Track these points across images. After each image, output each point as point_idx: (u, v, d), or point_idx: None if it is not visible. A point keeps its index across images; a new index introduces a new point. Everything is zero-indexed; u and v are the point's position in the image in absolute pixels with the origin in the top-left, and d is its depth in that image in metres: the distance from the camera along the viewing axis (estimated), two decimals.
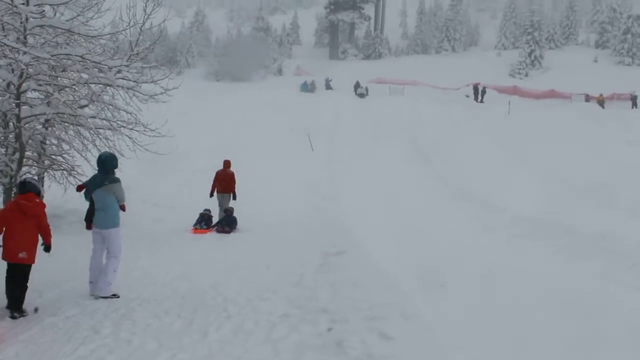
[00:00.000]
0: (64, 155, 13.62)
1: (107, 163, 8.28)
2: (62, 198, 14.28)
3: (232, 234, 14.34)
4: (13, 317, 7.03)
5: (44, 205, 7.59)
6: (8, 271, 7.23)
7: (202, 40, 71.96)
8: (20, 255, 7.16)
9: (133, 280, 9.37)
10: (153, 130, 13.08)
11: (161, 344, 6.16)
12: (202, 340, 6.22)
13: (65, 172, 13.76)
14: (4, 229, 7.17)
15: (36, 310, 7.19)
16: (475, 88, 45.50)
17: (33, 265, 7.41)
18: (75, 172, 13.68)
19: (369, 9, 77.51)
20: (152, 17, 12.25)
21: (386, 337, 5.69)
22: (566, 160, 23.37)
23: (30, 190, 7.48)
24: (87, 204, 8.54)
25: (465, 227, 14.60)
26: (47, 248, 7.63)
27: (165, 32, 53.80)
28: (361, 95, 31.57)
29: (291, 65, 62.09)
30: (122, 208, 8.47)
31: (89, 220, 8.36)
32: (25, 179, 7.89)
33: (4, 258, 7.18)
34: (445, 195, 19.03)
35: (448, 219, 15.59)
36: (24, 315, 7.12)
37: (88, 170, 12.94)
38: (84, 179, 12.04)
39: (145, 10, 11.94)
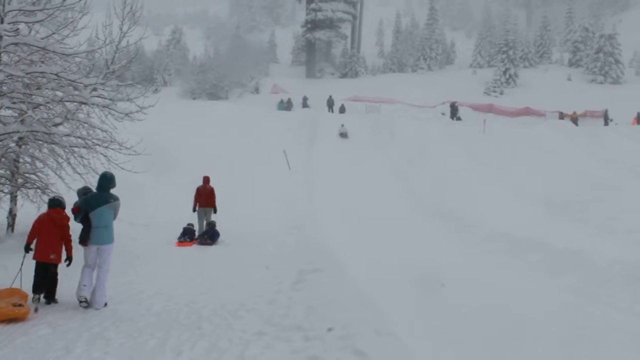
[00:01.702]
0: (38, 174, 13.48)
1: (111, 182, 8.86)
2: (35, 217, 14.13)
3: (213, 246, 15.03)
4: (49, 304, 8.55)
5: (68, 218, 8.90)
6: (39, 269, 8.53)
7: (179, 59, 71.98)
8: (52, 256, 8.58)
9: (108, 298, 9.31)
10: (129, 149, 13.01)
11: None
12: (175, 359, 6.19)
13: (39, 190, 13.62)
14: (37, 235, 8.59)
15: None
16: (452, 106, 45.90)
17: None
18: (49, 191, 13.54)
19: (346, 28, 78.27)
20: (129, 36, 12.22)
21: (360, 353, 5.71)
22: (540, 177, 23.60)
23: (58, 206, 8.93)
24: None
25: (441, 244, 14.68)
26: (69, 260, 8.79)
27: (142, 50, 53.77)
28: (343, 135, 31.41)
29: (268, 83, 62.20)
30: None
31: (85, 238, 8.67)
32: (55, 197, 9.26)
33: (35, 258, 8.57)
34: (421, 212, 19.13)
35: (424, 236, 15.66)
36: (56, 302, 8.61)
37: (62, 188, 12.85)
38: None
39: (121, 29, 11.93)
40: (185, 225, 15.96)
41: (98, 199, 8.73)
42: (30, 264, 8.56)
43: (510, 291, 9.75)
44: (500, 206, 18.91)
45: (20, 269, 8.50)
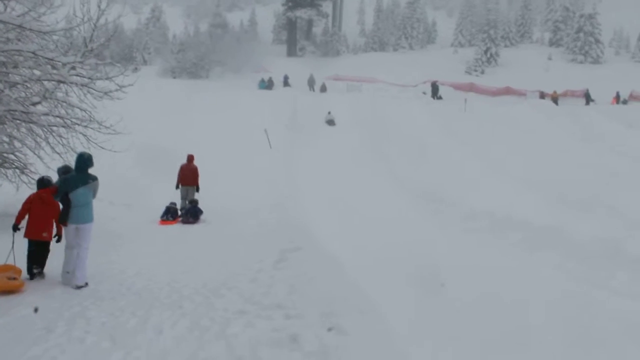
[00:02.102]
0: (16, 153, 13.36)
1: (89, 162, 8.98)
2: (14, 197, 14.02)
3: (196, 224, 15.26)
4: (40, 274, 8.94)
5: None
6: (31, 247, 8.91)
7: (158, 37, 71.23)
8: (44, 234, 8.93)
9: (89, 278, 9.28)
10: (108, 128, 12.91)
11: (115, 342, 6.12)
12: (157, 338, 6.20)
13: (17, 170, 13.50)
14: (27, 214, 8.86)
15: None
16: (433, 85, 45.90)
17: None
18: (28, 170, 13.45)
19: (327, 7, 77.76)
20: (107, 13, 12.08)
21: (341, 331, 5.74)
22: (521, 156, 23.77)
23: (47, 186, 9.20)
24: None
25: (422, 222, 14.74)
26: (59, 237, 9.13)
27: (121, 29, 53.10)
28: (330, 123, 30.45)
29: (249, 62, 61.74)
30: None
31: (64, 218, 8.82)
32: (43, 177, 9.58)
33: (27, 236, 8.90)
34: (402, 191, 19.16)
35: (405, 215, 15.72)
36: (43, 277, 8.96)
37: (41, 168, 12.76)
38: (37, 177, 12.13)
39: (99, 6, 11.79)
40: (167, 204, 16.00)
41: (76, 180, 8.86)
42: (20, 242, 8.83)
43: (490, 268, 9.83)
44: (481, 185, 19.01)
45: (12, 247, 8.72)
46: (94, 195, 9.03)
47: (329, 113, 31.18)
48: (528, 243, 11.87)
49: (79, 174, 8.93)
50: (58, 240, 9.10)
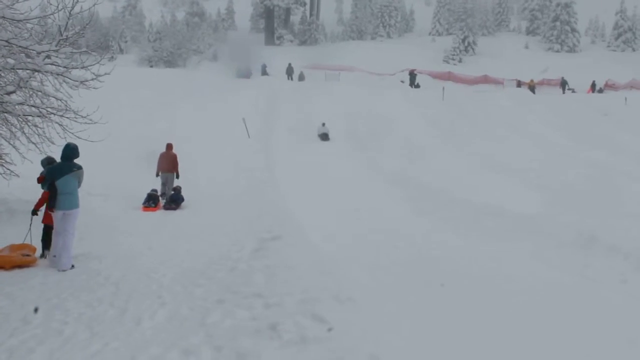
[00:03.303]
0: None
1: (75, 152, 9.65)
2: None
3: (177, 210, 15.68)
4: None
5: None
6: (48, 231, 9.91)
7: (135, 26, 70.59)
8: (46, 219, 9.87)
9: (73, 261, 9.27)
10: (84, 117, 12.77)
11: (94, 333, 6.09)
12: (135, 328, 6.18)
13: None
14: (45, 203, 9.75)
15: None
16: (411, 74, 46.01)
17: None
18: (3, 161, 13.29)
19: None
20: (82, 1, 11.92)
21: (320, 319, 5.76)
22: (498, 144, 23.98)
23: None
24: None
25: (399, 210, 14.83)
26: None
27: (96, 17, 52.48)
28: (323, 137, 26.80)
29: (226, 50, 61.37)
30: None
31: (52, 204, 9.44)
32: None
33: (45, 222, 10.05)
34: (380, 179, 19.25)
35: (382, 203, 15.80)
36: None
37: (16, 158, 12.65)
38: (13, 168, 12.83)
39: None
40: (149, 191, 16.29)
41: (63, 168, 9.49)
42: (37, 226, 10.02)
43: (467, 255, 9.93)
44: (458, 173, 19.16)
45: (29, 229, 9.87)
46: (79, 184, 9.61)
47: (323, 125, 27.37)
48: (504, 229, 11.99)
49: (65, 162, 9.55)
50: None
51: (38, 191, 10.36)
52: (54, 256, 9.30)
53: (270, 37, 72.68)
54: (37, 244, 9.98)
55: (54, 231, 9.46)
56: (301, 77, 46.76)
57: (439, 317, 6.50)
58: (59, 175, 9.42)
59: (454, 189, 16.37)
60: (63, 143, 12.77)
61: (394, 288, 7.63)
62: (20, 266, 9.13)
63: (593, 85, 46.68)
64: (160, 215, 15.01)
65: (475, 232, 12.20)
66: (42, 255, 9.93)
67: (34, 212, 9.81)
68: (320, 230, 11.66)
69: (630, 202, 14.52)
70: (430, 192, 16.54)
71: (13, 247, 9.61)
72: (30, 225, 9.91)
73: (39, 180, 10.06)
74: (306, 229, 11.68)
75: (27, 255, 9.44)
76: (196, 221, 13.70)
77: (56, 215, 9.41)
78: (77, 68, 12.13)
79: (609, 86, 47.58)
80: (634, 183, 17.22)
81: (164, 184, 17.16)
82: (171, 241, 11.40)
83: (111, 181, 16.89)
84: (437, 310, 6.73)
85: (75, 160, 9.71)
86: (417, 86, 44.35)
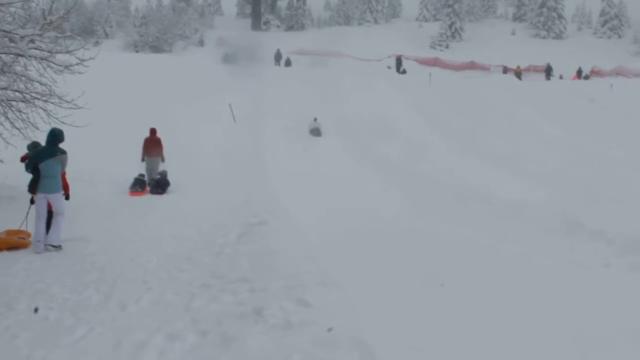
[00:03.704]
0: None
1: (59, 137, 9.76)
2: None
3: (164, 195, 15.84)
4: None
5: (63, 172, 10.00)
6: (49, 216, 9.83)
7: (120, 10, 70.01)
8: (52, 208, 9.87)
9: (51, 254, 9.21)
10: (69, 102, 12.67)
11: (79, 318, 6.08)
12: (120, 313, 6.18)
13: None
14: None
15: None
16: (398, 59, 45.97)
17: None
18: None
19: None
20: None
21: (305, 304, 5.78)
22: (485, 130, 24.03)
23: None
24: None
25: (385, 195, 14.87)
26: (67, 197, 10.22)
27: (81, 1, 52.04)
28: (314, 133, 25.07)
29: (213, 36, 61.02)
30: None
31: (34, 187, 9.64)
32: None
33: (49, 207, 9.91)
34: (367, 165, 19.25)
35: (370, 188, 15.83)
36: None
37: (0, 143, 12.56)
38: None
39: None
40: (136, 175, 16.53)
41: (46, 152, 9.67)
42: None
43: (454, 242, 9.97)
44: (444, 159, 19.20)
45: (26, 216, 10.17)
46: (62, 168, 9.77)
47: (315, 120, 25.62)
48: (492, 215, 12.06)
49: (50, 147, 9.71)
50: (67, 198, 10.19)
51: (22, 176, 10.37)
52: (38, 241, 9.40)
53: (257, 22, 72.35)
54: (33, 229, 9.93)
55: (36, 215, 9.58)
56: (287, 63, 46.63)
57: (425, 300, 6.51)
58: (42, 159, 9.58)
59: (440, 174, 16.42)
60: (47, 128, 12.70)
61: (379, 273, 7.64)
62: (16, 247, 9.54)
63: (579, 72, 46.86)
64: (146, 199, 15.07)
65: (461, 217, 12.27)
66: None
67: (32, 200, 9.95)
68: (307, 216, 11.66)
69: (615, 188, 14.62)
70: (417, 178, 16.58)
71: (9, 232, 9.95)
72: (28, 212, 10.15)
73: (22, 159, 10.44)
74: (292, 214, 11.69)
75: (22, 239, 9.87)
76: (182, 206, 13.67)
77: (38, 198, 9.60)
78: (62, 53, 12.04)
79: (595, 73, 47.78)
80: (619, 169, 17.34)
81: (149, 169, 17.26)
82: (157, 226, 11.38)
83: (97, 166, 16.81)
84: (423, 294, 6.74)
85: (60, 145, 9.79)
86: (404, 72, 44.33)
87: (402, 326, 5.58)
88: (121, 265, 8.27)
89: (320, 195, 14.58)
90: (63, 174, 9.99)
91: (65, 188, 10.19)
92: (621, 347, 5.42)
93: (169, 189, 16.28)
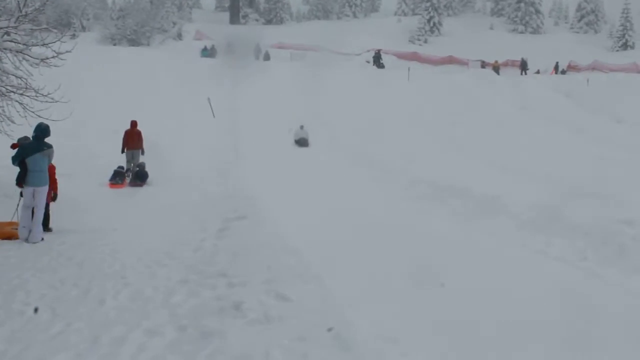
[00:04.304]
0: None
1: (45, 132, 10.07)
2: None
3: (143, 187, 15.97)
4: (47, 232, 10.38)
5: (54, 167, 10.70)
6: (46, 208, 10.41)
7: (97, 3, 69.27)
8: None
9: (27, 250, 9.14)
10: (45, 96, 12.54)
11: (56, 313, 6.04)
12: (99, 309, 6.14)
13: None
14: None
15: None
16: (377, 54, 46.00)
17: None
18: None
19: None
20: None
21: (284, 298, 5.80)
22: (462, 124, 24.17)
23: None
24: None
25: (363, 190, 14.90)
26: (55, 197, 10.88)
27: None
28: (300, 143, 22.94)
29: (191, 29, 60.59)
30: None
31: (22, 180, 9.92)
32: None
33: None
34: (345, 160, 19.30)
35: (349, 183, 15.85)
36: (50, 230, 10.57)
37: None
38: None
39: None
40: (115, 168, 16.54)
41: (33, 147, 9.94)
42: None
43: (431, 236, 10.01)
44: (422, 153, 19.29)
45: (17, 209, 10.39)
46: (49, 162, 10.13)
47: (302, 128, 23.44)
48: (468, 209, 12.13)
49: (36, 142, 10.00)
50: (54, 199, 10.85)
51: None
52: (23, 227, 9.81)
53: (236, 16, 71.89)
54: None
55: (22, 205, 9.99)
56: (266, 57, 46.48)
57: (405, 293, 6.55)
58: (29, 154, 9.85)
59: (419, 169, 16.48)
60: (23, 122, 12.61)
61: (360, 266, 7.66)
62: (9, 238, 9.85)
63: (556, 67, 47.22)
64: (126, 192, 15.17)
65: (440, 211, 12.33)
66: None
67: (22, 193, 10.19)
68: (285, 211, 11.66)
69: (591, 181, 14.76)
70: (395, 173, 16.63)
71: (2, 224, 10.30)
72: (18, 205, 10.32)
73: (13, 146, 10.62)
74: (270, 209, 11.68)
75: (16, 230, 10.06)
76: (161, 201, 13.63)
77: (26, 191, 9.93)
78: (38, 45, 11.92)
79: (572, 68, 48.18)
80: (594, 162, 17.52)
81: (129, 161, 17.33)
82: (136, 221, 11.35)
83: (76, 160, 16.70)
84: (404, 288, 6.76)
85: (46, 140, 10.10)
86: (382, 66, 44.38)
87: (382, 319, 5.61)
88: (100, 260, 8.23)
89: (300, 190, 14.57)
90: (53, 171, 10.61)
91: (54, 186, 10.80)
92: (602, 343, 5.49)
93: (148, 180, 16.34)
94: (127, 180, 16.50)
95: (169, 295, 6.32)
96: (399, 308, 6.05)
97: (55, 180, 10.88)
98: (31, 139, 10.30)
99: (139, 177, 16.34)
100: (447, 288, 6.69)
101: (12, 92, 12.45)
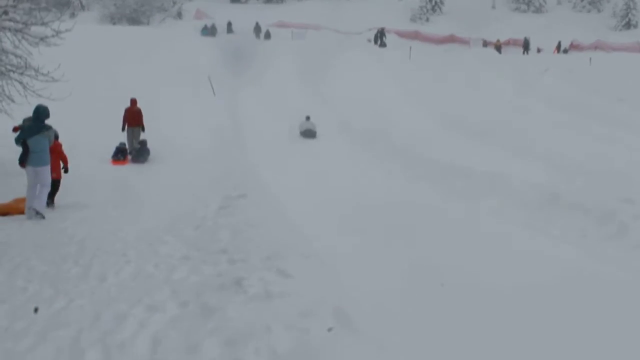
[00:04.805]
0: None
1: (44, 113, 10.31)
2: None
3: (145, 164, 16.21)
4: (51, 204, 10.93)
5: (60, 144, 11.38)
6: (55, 184, 11.07)
7: None
8: (53, 174, 10.81)
9: (28, 227, 9.17)
10: (45, 75, 12.50)
11: (58, 290, 6.07)
12: (100, 285, 6.17)
13: None
14: None
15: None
16: (381, 32, 45.74)
17: None
18: None
19: None
20: None
21: (285, 275, 5.80)
22: (464, 104, 24.09)
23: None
24: None
25: (365, 168, 14.90)
26: (66, 170, 11.50)
27: None
28: (306, 134, 20.65)
29: (191, 8, 60.17)
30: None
31: (24, 160, 10.16)
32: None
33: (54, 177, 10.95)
34: (347, 138, 19.27)
35: (350, 162, 15.85)
36: (53, 206, 10.97)
37: None
38: None
39: None
40: (117, 144, 16.79)
41: (34, 129, 10.23)
42: None
43: (431, 214, 10.01)
44: (424, 132, 19.25)
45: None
46: (49, 143, 10.40)
47: (308, 119, 21.29)
48: (470, 188, 12.12)
49: (36, 123, 10.28)
50: (66, 171, 11.48)
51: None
52: (29, 208, 10.00)
53: None
54: None
55: (27, 186, 10.20)
56: (267, 35, 46.24)
57: (405, 270, 6.56)
58: (30, 135, 10.14)
59: (421, 148, 16.44)
60: (23, 101, 12.60)
61: (359, 243, 7.68)
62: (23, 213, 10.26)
63: (559, 46, 46.96)
64: (127, 171, 15.18)
65: (442, 190, 12.31)
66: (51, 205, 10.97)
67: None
68: (287, 188, 11.68)
69: (592, 160, 14.74)
70: (397, 152, 16.60)
71: (18, 200, 10.72)
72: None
73: (14, 129, 11.25)
74: (272, 186, 11.69)
75: None
76: (162, 179, 13.65)
77: (28, 171, 10.17)
78: (37, 25, 11.88)
79: (574, 47, 47.89)
80: (595, 142, 17.47)
81: (130, 139, 17.55)
82: (137, 199, 11.36)
83: (76, 138, 16.68)
84: (403, 265, 6.77)
85: (46, 121, 10.37)
86: (384, 45, 44.16)
87: (384, 296, 5.63)
88: (101, 238, 8.25)
89: (301, 169, 14.57)
90: (60, 148, 11.27)
91: (65, 161, 11.42)
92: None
93: (150, 157, 16.58)
94: (129, 157, 16.70)
95: (170, 272, 6.34)
96: (400, 286, 6.06)
97: (64, 156, 11.45)
98: (32, 121, 10.48)
99: (141, 154, 16.55)
100: (449, 266, 6.69)
101: (12, 71, 12.43)
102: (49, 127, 10.43)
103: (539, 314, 5.38)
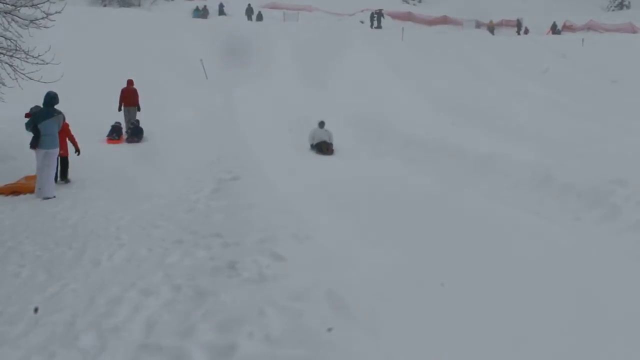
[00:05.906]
0: None
1: (55, 99, 11.09)
2: None
3: (139, 144, 16.48)
4: (66, 182, 11.77)
5: (68, 125, 11.82)
6: (63, 162, 11.87)
7: None
8: (61, 151, 11.36)
9: (21, 211, 9.14)
10: (36, 58, 12.38)
11: (52, 275, 6.08)
12: (94, 270, 6.18)
13: None
14: None
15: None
16: (379, 14, 45.54)
17: None
18: None
19: None
20: None
21: (279, 257, 5.80)
22: (456, 85, 24.06)
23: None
24: None
25: (358, 151, 14.90)
26: (78, 151, 12.04)
27: None
28: (321, 148, 16.45)
29: None
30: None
31: (35, 144, 10.73)
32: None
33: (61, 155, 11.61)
34: (339, 120, 19.21)
35: (343, 144, 15.85)
36: (69, 181, 11.84)
37: None
38: None
39: None
40: (113, 123, 17.08)
41: (45, 113, 10.97)
42: None
43: (424, 196, 10.01)
44: (416, 114, 19.24)
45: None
46: (58, 127, 11.05)
47: (321, 126, 16.87)
48: (462, 169, 12.14)
49: (47, 108, 11.00)
50: (78, 154, 11.98)
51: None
52: (39, 188, 10.46)
53: None
54: None
55: (37, 168, 10.68)
56: (259, 17, 45.96)
57: (398, 253, 6.55)
58: (41, 119, 10.82)
59: (412, 129, 16.43)
60: (15, 84, 12.49)
61: (353, 227, 7.67)
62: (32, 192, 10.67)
63: (553, 27, 46.85)
64: (122, 148, 15.53)
65: (434, 171, 12.33)
66: (65, 182, 11.81)
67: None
68: (280, 171, 11.66)
69: (584, 141, 14.78)
70: (389, 133, 16.59)
71: (28, 178, 11.31)
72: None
73: (27, 115, 11.65)
74: (265, 169, 11.66)
75: None
76: (155, 162, 13.56)
77: (38, 153, 10.73)
78: (26, 6, 11.72)
79: (567, 27, 47.79)
80: (587, 123, 17.52)
81: (127, 118, 17.83)
82: (129, 183, 11.30)
83: (71, 120, 16.63)
84: (397, 248, 6.76)
85: (56, 107, 11.05)
86: (379, 27, 44.01)
87: (377, 278, 5.63)
88: (94, 222, 8.25)
89: (293, 150, 14.56)
90: (69, 132, 11.87)
91: (73, 141, 11.97)
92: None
93: (144, 137, 16.88)
94: (125, 136, 16.98)
95: (164, 256, 6.35)
96: (393, 269, 6.05)
97: (72, 136, 12.01)
98: (42, 106, 11.15)
99: (135, 133, 16.85)
100: (442, 248, 6.70)
101: (2, 54, 12.28)
102: (58, 112, 11.08)
103: (532, 289, 5.40)
